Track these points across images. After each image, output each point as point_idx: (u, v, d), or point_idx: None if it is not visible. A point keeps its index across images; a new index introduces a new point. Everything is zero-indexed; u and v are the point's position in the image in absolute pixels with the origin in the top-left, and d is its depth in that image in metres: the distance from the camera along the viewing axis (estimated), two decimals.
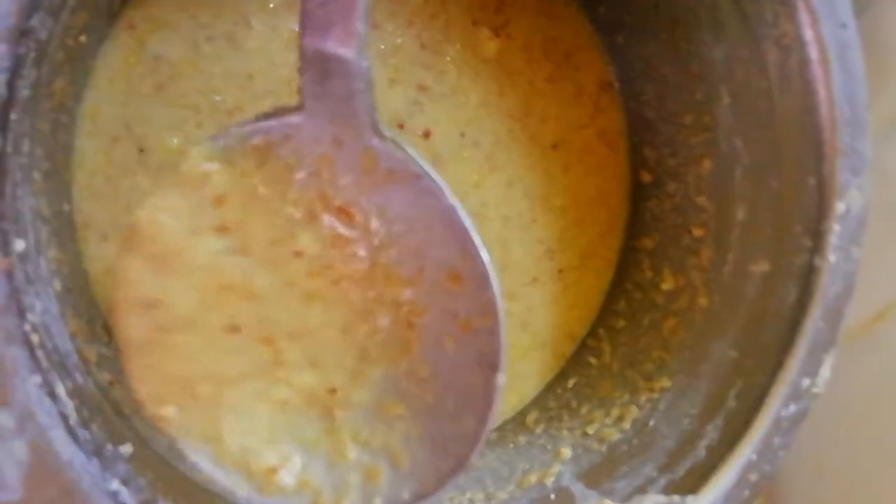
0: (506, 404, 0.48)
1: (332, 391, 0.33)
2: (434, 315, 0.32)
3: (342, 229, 0.32)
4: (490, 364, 0.31)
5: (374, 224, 0.31)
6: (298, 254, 0.32)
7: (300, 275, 0.32)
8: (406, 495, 0.32)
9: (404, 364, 0.32)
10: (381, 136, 0.31)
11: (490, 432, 0.46)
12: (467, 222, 0.31)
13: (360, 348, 0.32)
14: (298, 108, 0.31)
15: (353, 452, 0.33)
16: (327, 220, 0.32)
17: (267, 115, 0.31)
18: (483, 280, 0.31)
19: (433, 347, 0.32)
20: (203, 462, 0.32)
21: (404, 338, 0.32)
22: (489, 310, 0.31)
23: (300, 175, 0.31)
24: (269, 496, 0.32)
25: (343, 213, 0.32)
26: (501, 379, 0.31)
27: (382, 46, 0.45)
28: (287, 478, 0.32)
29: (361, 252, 0.32)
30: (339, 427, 0.33)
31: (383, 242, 0.32)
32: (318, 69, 0.30)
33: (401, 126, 0.45)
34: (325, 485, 0.33)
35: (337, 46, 0.30)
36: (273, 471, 0.32)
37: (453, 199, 0.31)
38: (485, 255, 0.31)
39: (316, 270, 0.32)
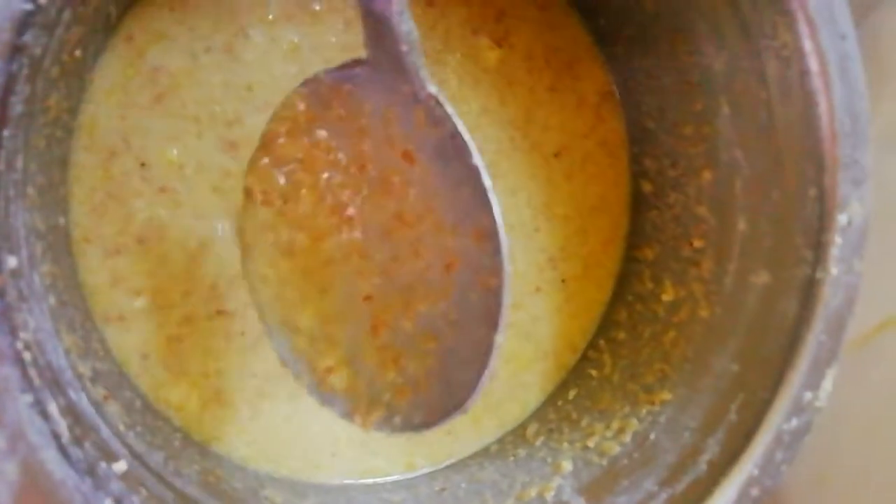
0: (508, 415, 0.48)
1: (368, 298, 0.36)
2: (466, 266, 0.34)
3: (405, 171, 0.35)
4: (494, 324, 0.33)
5: (429, 172, 0.34)
6: (371, 189, 0.36)
7: (365, 207, 0.36)
8: (417, 421, 0.35)
9: (443, 305, 0.35)
10: (428, 93, 0.33)
11: (490, 444, 0.47)
12: (488, 183, 0.33)
13: (410, 282, 0.35)
14: (367, 61, 0.34)
15: (391, 373, 0.36)
16: (393, 161, 0.35)
17: (343, 66, 0.35)
18: (497, 242, 0.33)
19: (462, 296, 0.34)
20: (282, 348, 0.37)
21: (445, 282, 0.35)
22: (499, 271, 0.33)
23: (372, 120, 0.35)
24: (322, 391, 0.37)
25: (407, 157, 0.34)
26: (500, 339, 0.33)
27: None
28: (338, 381, 0.37)
29: (419, 195, 0.35)
30: (385, 346, 0.36)
31: (436, 191, 0.34)
32: (372, 27, 0.33)
33: None
34: (363, 395, 0.36)
35: (380, 6, 0.32)
36: (330, 370, 0.37)
37: (479, 161, 0.33)
38: (499, 219, 0.33)
39: (380, 203, 0.35)
